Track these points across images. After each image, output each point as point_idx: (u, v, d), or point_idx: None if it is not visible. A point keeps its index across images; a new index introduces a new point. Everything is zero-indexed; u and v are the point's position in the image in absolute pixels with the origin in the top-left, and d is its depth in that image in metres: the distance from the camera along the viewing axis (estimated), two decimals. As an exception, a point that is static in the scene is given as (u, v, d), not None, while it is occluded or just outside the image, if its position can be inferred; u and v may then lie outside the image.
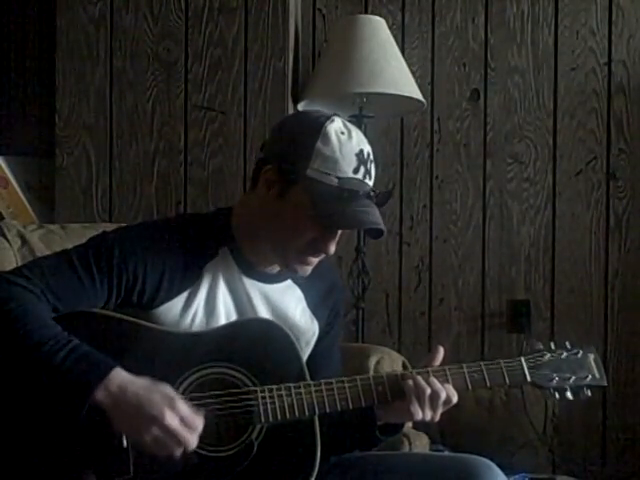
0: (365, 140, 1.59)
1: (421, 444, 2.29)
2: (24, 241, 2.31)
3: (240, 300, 1.63)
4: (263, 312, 1.64)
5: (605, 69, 3.05)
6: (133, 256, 1.53)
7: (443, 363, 1.60)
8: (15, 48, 3.16)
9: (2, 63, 3.16)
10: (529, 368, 1.61)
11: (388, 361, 2.34)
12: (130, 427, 1.40)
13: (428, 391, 1.52)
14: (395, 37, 2.91)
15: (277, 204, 1.57)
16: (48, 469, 1.43)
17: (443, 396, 1.53)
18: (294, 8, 2.95)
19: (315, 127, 1.55)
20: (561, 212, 3.06)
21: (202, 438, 1.44)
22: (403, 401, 1.53)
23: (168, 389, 1.42)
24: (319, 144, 1.53)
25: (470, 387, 1.58)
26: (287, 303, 1.68)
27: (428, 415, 1.53)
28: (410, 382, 1.53)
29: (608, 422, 3.02)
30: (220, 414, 1.48)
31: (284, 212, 1.56)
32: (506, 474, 1.65)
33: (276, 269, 1.66)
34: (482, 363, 1.59)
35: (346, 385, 1.52)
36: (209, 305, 1.59)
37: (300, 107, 2.86)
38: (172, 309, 1.56)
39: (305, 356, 1.65)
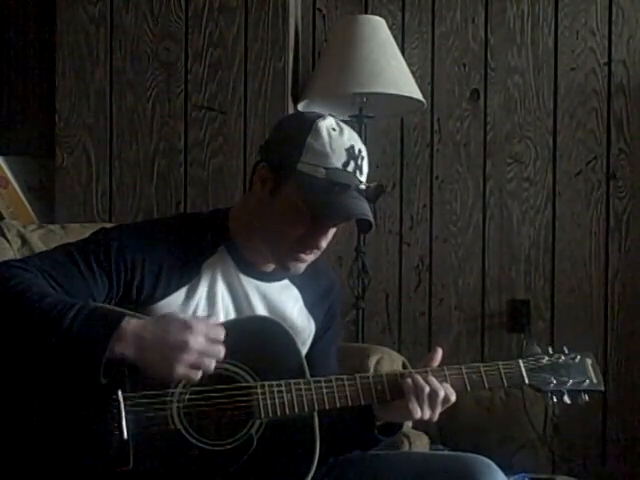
0: (358, 139, 1.61)
1: (421, 444, 2.29)
2: (24, 241, 2.32)
3: (238, 298, 1.64)
4: (260, 310, 1.66)
5: (605, 69, 3.05)
6: (132, 252, 1.55)
7: (442, 364, 1.60)
8: (15, 48, 3.16)
9: (2, 63, 3.17)
10: (527, 371, 1.61)
11: (388, 361, 2.34)
12: (161, 366, 1.41)
13: (427, 390, 1.53)
14: (395, 37, 2.91)
15: (271, 200, 1.59)
16: (48, 460, 1.43)
17: (442, 395, 1.54)
18: (294, 8, 2.95)
19: (307, 124, 1.58)
20: (561, 212, 3.06)
21: (202, 431, 1.46)
22: (402, 400, 1.54)
23: (177, 315, 1.47)
24: (310, 139, 1.55)
25: (469, 388, 1.59)
26: (284, 302, 1.69)
27: (427, 414, 1.54)
28: (409, 381, 1.54)
29: (608, 422, 3.02)
30: (220, 408, 1.49)
31: (277, 208, 1.58)
32: (506, 474, 1.65)
33: (272, 267, 1.67)
34: (481, 365, 1.60)
35: (346, 383, 1.54)
36: (209, 302, 1.60)
37: (300, 107, 2.86)
38: (171, 304, 1.57)
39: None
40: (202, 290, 1.60)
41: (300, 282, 1.70)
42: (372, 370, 2.27)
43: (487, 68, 3.10)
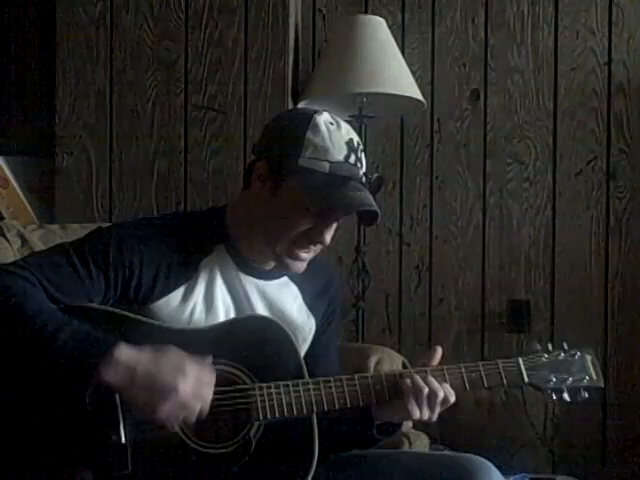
0: (354, 132, 1.61)
1: (421, 444, 2.29)
2: (24, 241, 2.32)
3: (238, 296, 1.64)
4: (260, 308, 1.65)
5: (605, 69, 3.05)
6: (129, 250, 1.54)
7: (442, 364, 1.60)
8: (15, 48, 3.16)
9: (2, 63, 3.16)
10: (527, 369, 1.61)
11: (388, 361, 2.34)
12: (144, 405, 1.39)
13: (426, 390, 1.52)
14: (395, 37, 2.91)
15: (272, 198, 1.58)
16: (46, 463, 1.43)
17: (441, 395, 1.53)
18: (294, 8, 2.95)
19: (304, 119, 1.58)
20: (561, 212, 3.06)
21: (200, 435, 1.45)
22: (401, 400, 1.54)
23: (175, 352, 1.42)
24: (309, 134, 1.55)
25: (468, 387, 1.58)
26: (284, 299, 1.69)
27: (426, 414, 1.53)
28: (408, 381, 1.53)
29: (608, 422, 3.02)
30: (218, 411, 1.48)
31: (279, 205, 1.57)
32: (506, 474, 1.65)
33: (272, 265, 1.67)
34: (480, 363, 1.59)
35: (344, 384, 1.53)
36: (207, 300, 1.60)
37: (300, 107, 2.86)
38: (169, 303, 1.56)
39: (302, 353, 1.66)
40: (200, 289, 1.59)
41: (299, 279, 1.70)
42: (372, 370, 2.27)
43: (487, 68, 3.09)
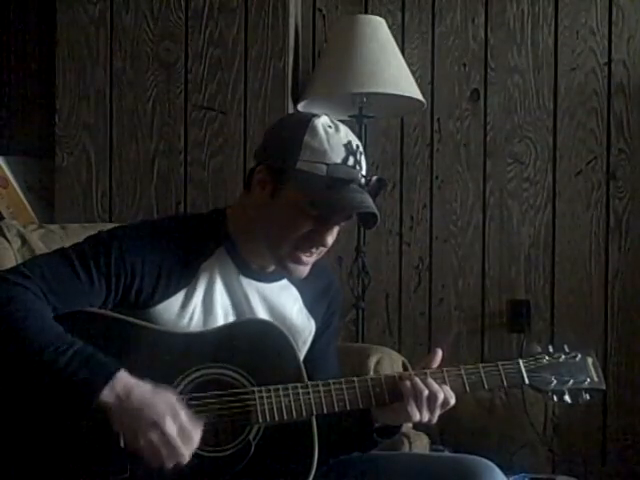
0: (354, 135, 1.61)
1: (421, 444, 2.29)
2: (24, 241, 2.32)
3: (238, 299, 1.64)
4: (261, 311, 1.65)
5: (605, 69, 3.05)
6: (130, 254, 1.54)
7: (442, 364, 1.59)
8: (15, 48, 3.16)
9: (2, 63, 3.16)
10: (527, 371, 1.61)
11: (388, 361, 2.34)
12: (129, 428, 1.39)
13: (426, 393, 1.52)
14: (395, 37, 2.90)
15: (272, 202, 1.58)
16: (45, 469, 1.43)
17: (441, 397, 1.52)
18: (294, 8, 2.95)
19: (302, 123, 1.58)
20: (561, 212, 3.06)
21: (200, 438, 1.44)
22: (401, 403, 1.53)
23: (172, 396, 1.42)
24: (307, 137, 1.55)
25: (468, 389, 1.58)
26: (284, 302, 1.69)
27: (425, 417, 1.53)
28: (408, 383, 1.53)
29: (608, 422, 3.02)
30: (218, 414, 1.48)
31: (279, 209, 1.57)
32: (506, 474, 1.65)
33: (272, 268, 1.67)
34: (480, 365, 1.59)
35: (344, 387, 1.52)
36: (206, 304, 1.60)
37: (300, 107, 2.86)
38: (170, 307, 1.56)
39: (302, 355, 1.66)
40: (199, 292, 1.59)
41: (299, 281, 1.69)
42: (372, 370, 2.27)
43: (487, 68, 3.09)
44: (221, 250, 1.63)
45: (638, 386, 3.01)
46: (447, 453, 2.57)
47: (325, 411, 1.51)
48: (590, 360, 1.65)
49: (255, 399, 1.49)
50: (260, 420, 1.48)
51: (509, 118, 3.08)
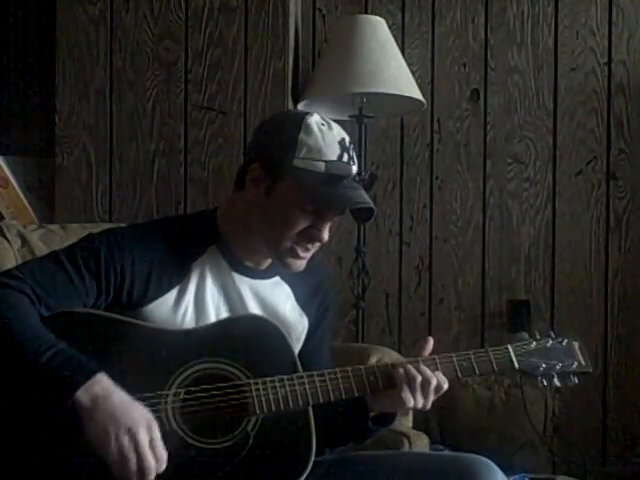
0: (344, 132, 1.63)
1: (421, 444, 2.29)
2: (24, 241, 2.31)
3: (230, 296, 1.65)
4: (253, 307, 1.66)
5: (605, 69, 3.05)
6: (120, 255, 1.56)
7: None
8: (15, 48, 3.16)
9: (2, 63, 3.17)
10: (516, 355, 1.63)
11: (388, 361, 2.33)
12: (102, 431, 1.38)
13: (419, 378, 1.54)
14: (395, 37, 2.91)
15: (267, 199, 1.60)
16: (43, 465, 1.44)
17: (434, 383, 1.55)
18: (294, 8, 2.95)
19: (296, 121, 1.60)
20: (561, 212, 3.06)
21: (199, 431, 1.47)
22: (395, 389, 1.55)
23: (149, 412, 1.43)
24: (302, 135, 1.57)
25: (460, 375, 1.60)
26: (276, 299, 1.70)
27: (420, 402, 1.55)
28: (401, 370, 1.55)
29: (608, 422, 3.02)
30: (216, 406, 1.49)
31: (275, 206, 1.59)
32: (506, 474, 1.65)
33: (265, 265, 1.69)
34: (471, 351, 1.62)
35: (339, 375, 1.55)
36: (199, 301, 1.61)
37: (300, 107, 2.86)
38: (162, 306, 1.58)
39: (296, 352, 1.66)
40: (191, 290, 1.60)
41: (291, 278, 1.71)
42: (372, 370, 2.27)
43: (487, 68, 3.10)
44: (213, 248, 1.64)
45: (638, 386, 3.01)
46: (447, 452, 2.56)
47: (321, 400, 1.53)
48: (576, 344, 1.69)
49: (252, 391, 1.50)
50: (257, 411, 1.50)
51: (509, 118, 3.09)
